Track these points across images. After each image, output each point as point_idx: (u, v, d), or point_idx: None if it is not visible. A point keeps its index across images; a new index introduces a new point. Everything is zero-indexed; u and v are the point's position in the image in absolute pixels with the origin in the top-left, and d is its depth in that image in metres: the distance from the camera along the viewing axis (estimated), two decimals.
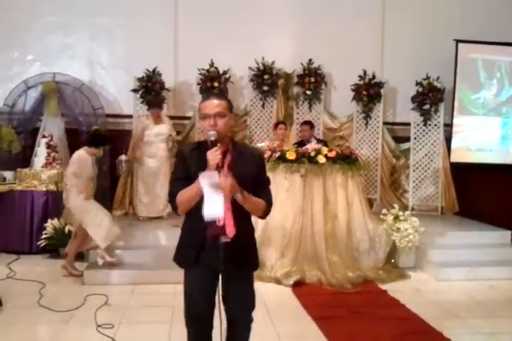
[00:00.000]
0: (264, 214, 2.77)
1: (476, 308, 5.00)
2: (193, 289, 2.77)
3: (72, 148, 7.48)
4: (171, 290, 5.02)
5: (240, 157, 2.68)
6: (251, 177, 2.68)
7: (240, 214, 2.63)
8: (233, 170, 2.58)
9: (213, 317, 2.78)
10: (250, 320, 2.92)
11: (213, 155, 2.48)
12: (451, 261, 6.15)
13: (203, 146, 2.63)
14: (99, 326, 4.16)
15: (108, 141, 5.86)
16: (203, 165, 2.53)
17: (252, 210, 2.70)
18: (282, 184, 5.85)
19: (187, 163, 2.65)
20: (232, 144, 2.73)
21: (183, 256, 2.80)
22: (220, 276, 2.72)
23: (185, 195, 2.60)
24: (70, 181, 5.47)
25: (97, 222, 5.44)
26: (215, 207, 2.48)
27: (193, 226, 2.70)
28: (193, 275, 2.76)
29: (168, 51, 7.89)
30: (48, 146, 7.00)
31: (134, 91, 7.56)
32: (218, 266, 2.62)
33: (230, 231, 2.56)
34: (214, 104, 2.63)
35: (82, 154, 5.52)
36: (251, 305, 2.89)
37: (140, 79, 7.52)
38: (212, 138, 2.54)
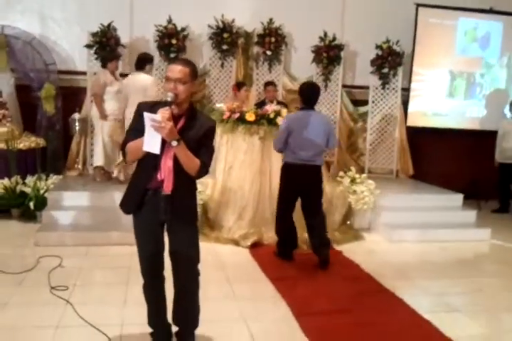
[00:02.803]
0: (198, 174, 2.86)
1: (428, 269, 5.16)
2: (139, 235, 2.99)
3: (23, 105, 7.21)
4: (127, 252, 4.96)
5: (192, 123, 2.84)
6: (195, 141, 2.81)
7: (183, 172, 2.81)
8: (183, 133, 2.76)
9: (163, 267, 3.02)
10: (196, 273, 3.03)
11: (162, 113, 2.63)
12: (404, 223, 6.31)
13: (161, 105, 2.76)
14: (52, 288, 4.10)
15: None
16: None
17: (185, 165, 2.79)
18: (241, 146, 5.78)
19: (142, 117, 2.70)
20: (190, 110, 2.87)
21: (126, 202, 3.00)
22: (165, 227, 2.97)
23: (133, 145, 2.79)
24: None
25: None
26: (152, 144, 2.65)
27: (140, 176, 2.93)
28: (137, 221, 2.98)
29: (124, 6, 7.53)
30: None
31: (88, 46, 7.25)
32: (160, 216, 2.87)
33: (167, 186, 2.82)
34: (177, 70, 2.76)
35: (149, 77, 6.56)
36: (195, 257, 3.02)
37: (94, 35, 7.20)
38: (169, 99, 2.72)
